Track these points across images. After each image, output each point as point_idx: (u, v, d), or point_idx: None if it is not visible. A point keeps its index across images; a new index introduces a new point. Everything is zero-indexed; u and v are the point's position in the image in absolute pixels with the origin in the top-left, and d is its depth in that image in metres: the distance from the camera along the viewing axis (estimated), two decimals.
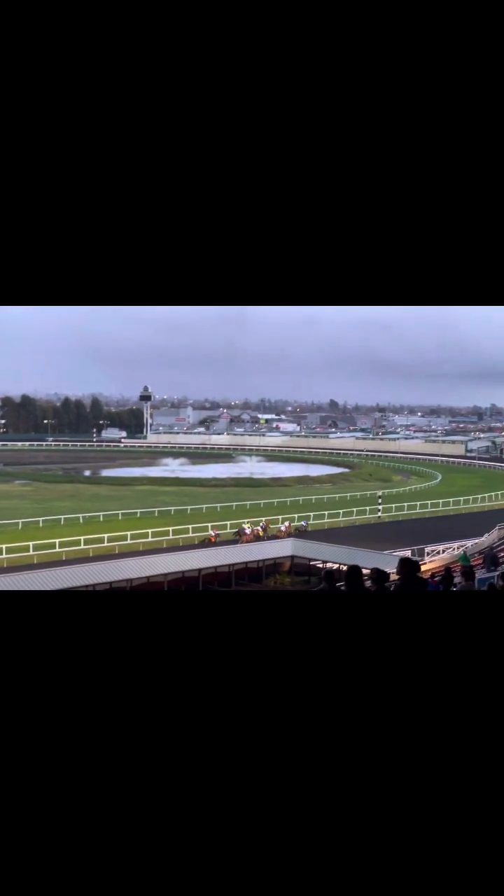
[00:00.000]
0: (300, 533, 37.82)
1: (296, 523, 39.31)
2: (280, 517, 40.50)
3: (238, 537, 35.91)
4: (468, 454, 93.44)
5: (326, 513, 42.52)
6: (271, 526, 38.04)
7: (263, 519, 39.25)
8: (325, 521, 41.37)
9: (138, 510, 42.49)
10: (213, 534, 36.10)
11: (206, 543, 34.78)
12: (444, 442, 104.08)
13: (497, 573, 18.68)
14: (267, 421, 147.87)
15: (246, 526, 37.03)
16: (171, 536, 35.15)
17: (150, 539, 34.38)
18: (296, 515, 41.47)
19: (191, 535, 35.73)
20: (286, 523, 38.83)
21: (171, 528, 35.91)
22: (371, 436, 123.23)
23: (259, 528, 37.31)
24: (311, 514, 41.70)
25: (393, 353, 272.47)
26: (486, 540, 35.57)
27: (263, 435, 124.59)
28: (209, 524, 37.49)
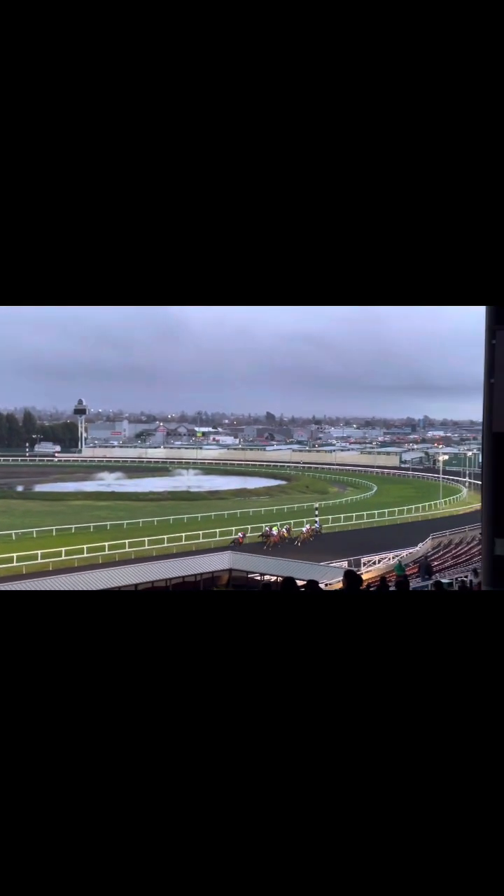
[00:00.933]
0: (315, 534, 40.67)
1: (315, 525, 42.20)
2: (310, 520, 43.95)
3: (265, 539, 38.60)
4: (402, 465, 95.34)
5: (264, 525, 42.62)
6: (294, 529, 41.37)
7: (289, 522, 43.03)
8: None
9: (73, 526, 41.79)
10: (240, 536, 38.79)
11: (234, 545, 37.31)
12: (379, 453, 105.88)
13: (431, 581, 19.08)
14: (204, 434, 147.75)
15: (273, 529, 39.88)
16: (106, 552, 34.68)
17: (85, 555, 33.85)
18: (333, 517, 43.87)
19: (127, 549, 35.33)
20: (307, 525, 41.43)
21: (106, 544, 35.42)
22: (307, 448, 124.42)
23: (284, 530, 40.48)
24: (249, 526, 41.73)
25: (328, 366, 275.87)
26: (420, 549, 36.28)
27: (201, 448, 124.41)
28: (146, 538, 37.16)
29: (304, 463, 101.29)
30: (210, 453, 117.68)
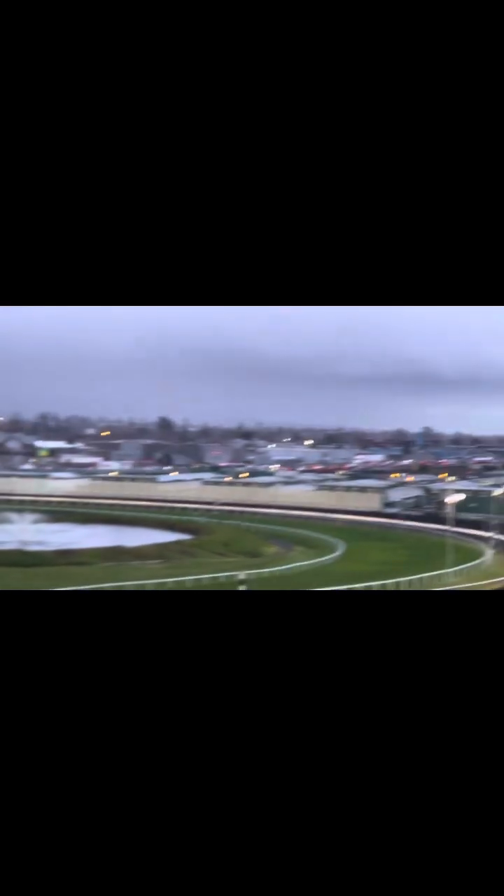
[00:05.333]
0: None
1: None
2: None
3: None
4: (388, 509, 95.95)
5: None
6: None
7: None
8: None
9: None
10: None
11: None
12: (348, 489, 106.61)
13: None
14: (52, 451, 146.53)
15: None
16: None
17: None
18: None
19: None
20: None
21: None
22: (229, 478, 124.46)
23: None
24: None
25: (256, 341, 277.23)
26: None
27: (46, 476, 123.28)
28: None
29: (222, 504, 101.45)
30: (63, 485, 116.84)
